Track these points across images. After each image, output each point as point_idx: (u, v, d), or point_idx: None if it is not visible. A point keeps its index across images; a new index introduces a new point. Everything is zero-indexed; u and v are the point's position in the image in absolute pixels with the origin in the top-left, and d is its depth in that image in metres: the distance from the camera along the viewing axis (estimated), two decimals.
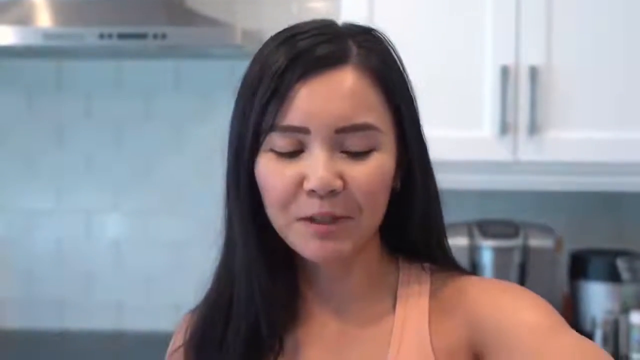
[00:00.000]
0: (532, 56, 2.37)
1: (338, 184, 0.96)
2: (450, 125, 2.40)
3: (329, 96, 0.97)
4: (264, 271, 1.04)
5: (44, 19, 2.57)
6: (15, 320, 2.95)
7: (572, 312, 2.57)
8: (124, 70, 2.90)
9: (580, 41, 2.38)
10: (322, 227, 0.98)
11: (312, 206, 0.97)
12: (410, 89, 1.05)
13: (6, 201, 2.97)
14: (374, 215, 1.00)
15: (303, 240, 0.99)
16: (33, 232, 2.96)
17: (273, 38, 1.03)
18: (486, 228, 2.52)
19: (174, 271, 2.87)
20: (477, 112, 2.40)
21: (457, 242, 2.49)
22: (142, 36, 2.46)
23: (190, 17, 2.57)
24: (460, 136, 2.40)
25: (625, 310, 2.46)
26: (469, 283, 1.05)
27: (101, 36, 2.46)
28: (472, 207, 2.73)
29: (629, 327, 2.41)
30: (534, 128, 2.37)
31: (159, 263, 2.90)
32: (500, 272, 2.48)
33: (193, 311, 1.16)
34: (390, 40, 1.05)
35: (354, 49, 1.00)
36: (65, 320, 2.94)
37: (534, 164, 2.40)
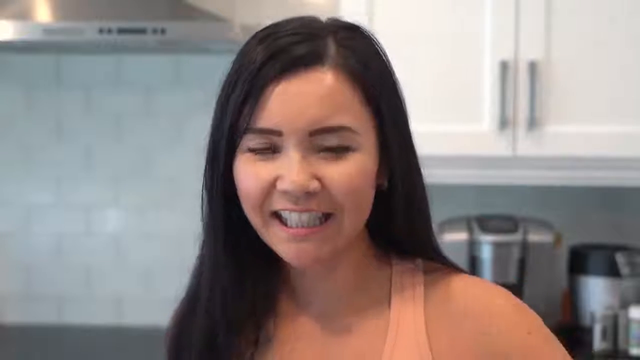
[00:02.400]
0: (531, 51, 2.37)
1: (313, 185, 0.96)
2: (450, 120, 2.40)
3: (303, 98, 0.96)
4: (229, 271, 1.04)
5: (43, 13, 2.57)
6: (14, 315, 2.95)
7: (571, 307, 2.57)
8: (123, 65, 2.90)
9: (580, 36, 2.38)
10: (299, 231, 0.97)
11: (285, 203, 0.97)
12: (393, 88, 1.03)
13: (6, 196, 2.97)
14: (356, 214, 0.99)
15: (279, 243, 0.99)
16: (32, 227, 2.96)
17: (254, 36, 1.02)
18: (485, 223, 2.52)
19: (173, 266, 2.85)
20: (476, 107, 2.41)
21: (456, 237, 2.49)
22: (142, 31, 2.45)
23: (190, 12, 2.57)
24: (460, 131, 2.40)
25: (625, 305, 2.46)
26: (484, 301, 1.04)
27: (101, 31, 2.46)
28: (472, 201, 2.73)
29: (628, 322, 2.42)
30: (533, 123, 2.37)
31: (158, 257, 2.90)
32: (500, 267, 2.48)
33: (174, 313, 1.17)
34: (376, 38, 1.04)
35: (332, 48, 0.98)
36: (64, 315, 2.94)
37: (533, 158, 2.40)
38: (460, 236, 2.50)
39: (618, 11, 2.37)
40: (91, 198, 2.93)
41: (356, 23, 1.04)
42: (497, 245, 2.50)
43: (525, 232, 2.50)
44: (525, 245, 2.49)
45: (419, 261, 1.08)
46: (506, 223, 2.52)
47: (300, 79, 0.96)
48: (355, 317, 1.05)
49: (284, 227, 0.98)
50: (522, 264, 2.49)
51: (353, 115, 0.97)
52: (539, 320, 1.05)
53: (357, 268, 1.06)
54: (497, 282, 2.58)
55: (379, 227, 1.06)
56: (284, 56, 0.96)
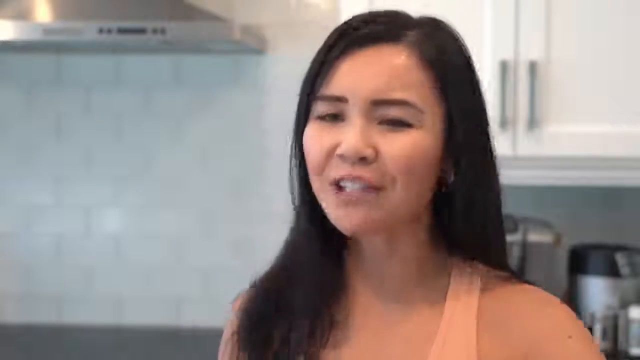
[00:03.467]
0: (531, 51, 2.37)
1: (369, 152, 0.98)
2: None
3: (371, 68, 1.00)
4: (314, 245, 1.07)
5: (43, 13, 2.57)
6: (14, 315, 2.95)
7: (571, 308, 2.56)
8: (123, 65, 2.90)
9: (580, 35, 2.38)
10: (349, 194, 0.99)
11: (342, 169, 0.99)
12: (471, 84, 1.05)
13: (5, 196, 2.97)
14: (408, 190, 1.00)
15: (333, 209, 1.01)
16: (32, 227, 2.96)
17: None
18: None
19: (173, 266, 2.87)
20: None
21: None
22: (142, 31, 2.46)
23: (190, 12, 2.57)
24: None
25: (625, 305, 2.46)
26: (534, 306, 1.05)
27: (100, 31, 2.46)
28: None
29: (628, 322, 2.42)
30: (533, 122, 2.37)
31: (158, 257, 2.90)
32: None
33: (250, 289, 1.17)
34: (460, 36, 1.07)
35: (409, 30, 1.03)
36: (64, 315, 2.94)
37: (533, 158, 2.40)
38: None
39: (618, 11, 2.37)
40: (91, 198, 2.93)
41: (442, 19, 1.08)
42: None
43: (525, 232, 2.50)
44: (525, 245, 2.49)
45: (480, 265, 1.08)
46: (506, 223, 2.51)
47: (370, 52, 1.01)
48: (410, 308, 1.06)
49: (338, 192, 1.00)
50: (522, 264, 2.49)
51: (419, 94, 1.00)
52: (588, 335, 1.05)
53: (418, 260, 1.07)
54: None
55: (444, 227, 1.07)
56: (358, 32, 1.02)
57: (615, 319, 2.43)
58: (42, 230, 2.96)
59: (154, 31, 2.45)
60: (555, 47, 2.38)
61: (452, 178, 1.04)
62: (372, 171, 0.98)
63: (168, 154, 2.89)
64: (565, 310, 1.06)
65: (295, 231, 1.10)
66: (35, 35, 2.51)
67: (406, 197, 1.00)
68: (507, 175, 2.51)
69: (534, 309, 1.04)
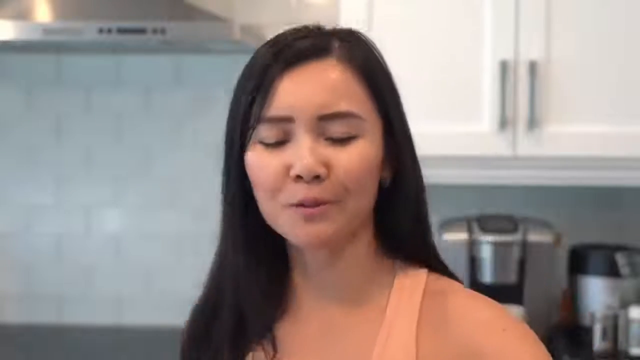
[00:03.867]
0: (531, 51, 2.37)
1: (322, 170, 0.99)
2: (450, 119, 2.40)
3: (312, 86, 1.00)
4: (250, 263, 1.07)
5: (43, 13, 2.57)
6: (14, 315, 2.96)
7: (571, 307, 2.57)
8: (123, 65, 2.91)
9: (580, 36, 2.38)
10: (308, 210, 0.99)
11: (299, 192, 0.99)
12: (394, 87, 1.07)
13: (5, 196, 2.97)
14: (360, 198, 1.02)
15: (291, 226, 1.01)
16: (32, 227, 2.96)
17: (264, 43, 1.06)
18: (485, 223, 2.52)
19: (173, 265, 2.87)
20: (476, 107, 2.40)
21: (456, 237, 2.49)
22: (142, 31, 2.46)
23: (190, 12, 2.57)
24: (460, 131, 2.40)
25: (625, 305, 2.46)
26: (469, 306, 1.05)
27: (100, 31, 2.46)
28: (472, 202, 2.73)
29: (628, 322, 2.41)
30: (533, 123, 2.37)
31: (158, 257, 2.90)
32: (500, 267, 2.48)
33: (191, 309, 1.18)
34: (373, 42, 1.08)
35: (336, 43, 1.03)
36: (64, 315, 2.94)
37: (533, 158, 2.40)
38: (460, 236, 2.50)
39: (618, 11, 2.37)
40: (91, 198, 2.93)
41: (354, 29, 1.09)
42: (497, 245, 2.50)
43: (525, 232, 2.50)
44: (525, 245, 2.49)
45: (423, 270, 1.09)
46: (506, 223, 2.52)
47: (308, 69, 1.01)
48: (352, 317, 1.07)
49: (298, 208, 1.00)
50: (522, 264, 2.49)
51: (360, 103, 1.02)
52: (525, 327, 1.04)
53: (361, 263, 1.07)
54: (497, 282, 2.57)
55: (386, 231, 1.08)
56: (290, 50, 1.01)
57: (615, 319, 2.43)
58: (42, 230, 2.96)
59: (154, 31, 2.45)
60: (555, 47, 2.38)
61: (388, 180, 1.06)
62: (327, 188, 0.99)
63: (168, 153, 2.90)
64: (500, 310, 1.05)
65: (233, 248, 1.10)
66: (35, 35, 2.51)
67: (358, 205, 1.02)
68: (507, 176, 2.54)
69: (470, 312, 1.04)
